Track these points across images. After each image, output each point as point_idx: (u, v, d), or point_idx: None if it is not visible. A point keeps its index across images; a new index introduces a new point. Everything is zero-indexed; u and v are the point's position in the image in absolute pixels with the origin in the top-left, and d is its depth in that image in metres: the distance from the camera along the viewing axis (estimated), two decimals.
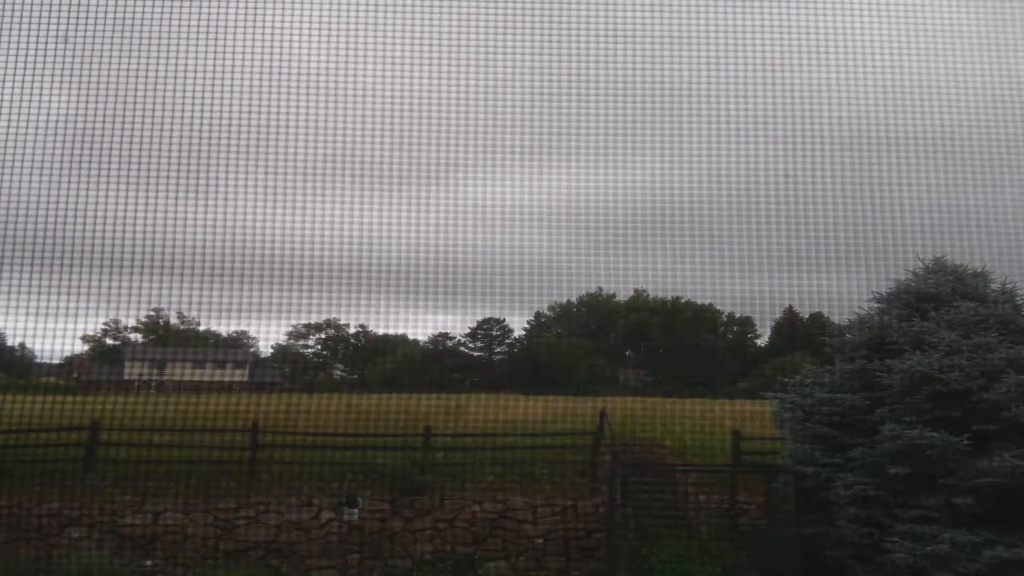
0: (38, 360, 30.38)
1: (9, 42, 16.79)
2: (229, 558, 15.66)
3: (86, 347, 44.73)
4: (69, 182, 17.02)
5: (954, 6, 18.34)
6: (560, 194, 20.57)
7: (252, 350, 48.69)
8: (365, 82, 18.15)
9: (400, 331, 44.13)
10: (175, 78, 17.73)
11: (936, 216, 17.80)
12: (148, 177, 17.47)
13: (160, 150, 17.56)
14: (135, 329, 48.22)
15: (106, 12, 17.22)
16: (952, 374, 12.61)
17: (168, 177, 17.60)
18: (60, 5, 17.06)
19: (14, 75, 16.88)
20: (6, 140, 16.68)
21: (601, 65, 19.01)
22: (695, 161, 19.38)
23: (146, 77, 17.73)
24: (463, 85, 18.59)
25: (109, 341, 49.00)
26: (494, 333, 58.22)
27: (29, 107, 16.90)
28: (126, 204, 16.98)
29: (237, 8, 17.63)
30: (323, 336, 57.58)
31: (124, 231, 16.77)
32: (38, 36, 17.01)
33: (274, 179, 18.07)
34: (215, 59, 17.46)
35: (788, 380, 15.53)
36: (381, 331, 48.42)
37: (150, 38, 17.82)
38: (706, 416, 20.23)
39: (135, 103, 17.48)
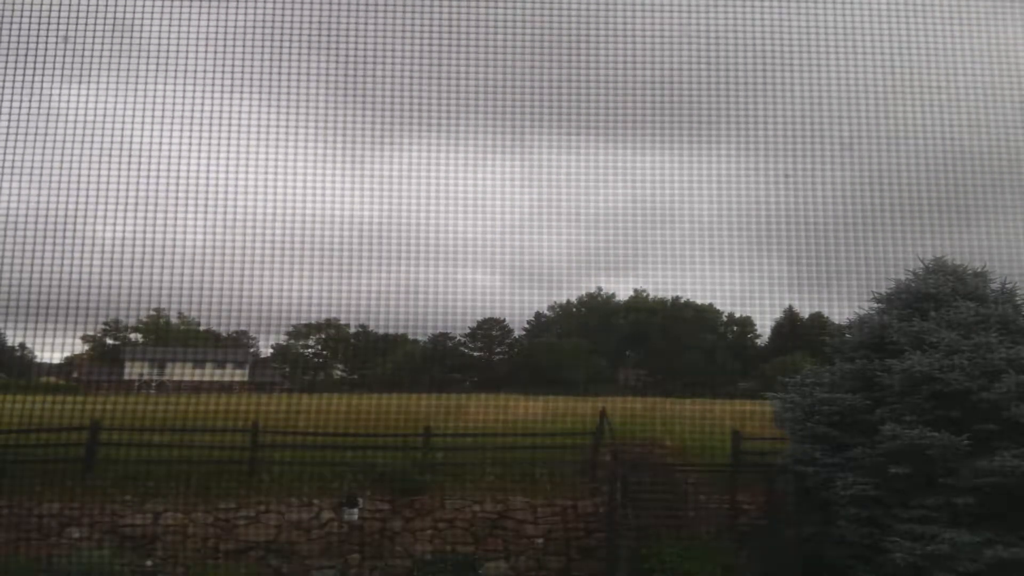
0: (38, 360, 30.39)
1: (10, 42, 16.80)
2: (229, 558, 15.66)
3: (86, 347, 44.61)
4: (69, 181, 17.05)
5: (954, 5, 18.34)
6: (561, 193, 20.56)
7: (252, 350, 48.61)
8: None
9: (400, 331, 43.91)
10: (175, 77, 17.75)
11: (936, 216, 17.80)
12: (148, 176, 17.50)
13: (160, 149, 17.61)
14: (135, 329, 48.11)
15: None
16: (952, 374, 12.61)
17: (168, 176, 17.64)
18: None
19: (15, 74, 16.91)
20: (6, 139, 16.70)
21: (600, 64, 19.03)
22: (694, 161, 19.40)
23: (148, 74, 17.75)
24: (459, 81, 18.58)
25: (109, 341, 48.89)
26: (494, 333, 58.16)
27: (30, 106, 16.93)
28: (126, 203, 17.02)
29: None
30: (323, 336, 57.50)
31: (124, 230, 16.80)
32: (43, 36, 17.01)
33: (274, 179, 18.09)
34: (208, 59, 17.49)
35: (788, 380, 15.54)
36: (381, 331, 48.25)
37: (150, 41, 17.85)
38: (706, 416, 20.19)
39: (134, 99, 17.53)
